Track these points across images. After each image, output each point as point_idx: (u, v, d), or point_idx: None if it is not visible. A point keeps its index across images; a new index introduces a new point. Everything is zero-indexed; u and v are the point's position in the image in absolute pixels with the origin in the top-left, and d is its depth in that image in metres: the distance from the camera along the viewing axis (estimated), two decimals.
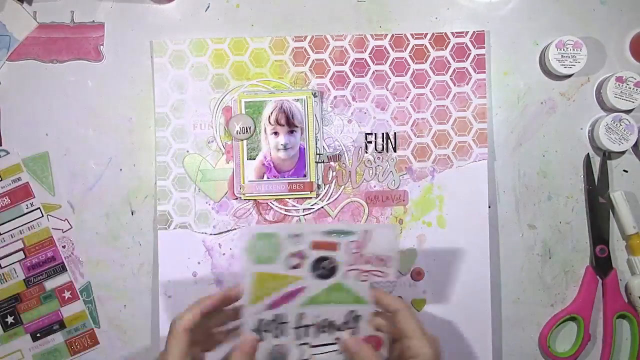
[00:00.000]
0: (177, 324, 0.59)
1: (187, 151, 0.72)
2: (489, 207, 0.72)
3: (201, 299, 0.61)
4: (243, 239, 0.61)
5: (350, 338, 0.62)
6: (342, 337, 0.62)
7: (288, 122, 0.72)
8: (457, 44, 0.72)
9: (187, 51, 0.72)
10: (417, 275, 0.72)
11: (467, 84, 0.72)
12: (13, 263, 0.72)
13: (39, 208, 0.72)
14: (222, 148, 0.73)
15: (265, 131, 0.72)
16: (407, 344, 0.59)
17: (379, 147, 0.72)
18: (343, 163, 0.72)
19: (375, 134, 0.72)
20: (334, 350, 0.63)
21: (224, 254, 0.72)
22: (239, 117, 0.72)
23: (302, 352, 0.62)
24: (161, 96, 0.73)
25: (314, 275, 0.61)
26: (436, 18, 0.73)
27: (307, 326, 0.62)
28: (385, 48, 0.72)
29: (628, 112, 0.71)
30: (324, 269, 0.61)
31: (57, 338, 0.72)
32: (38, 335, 0.72)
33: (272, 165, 0.72)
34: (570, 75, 0.73)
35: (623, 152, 0.72)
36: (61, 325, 0.72)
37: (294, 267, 0.60)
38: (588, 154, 0.73)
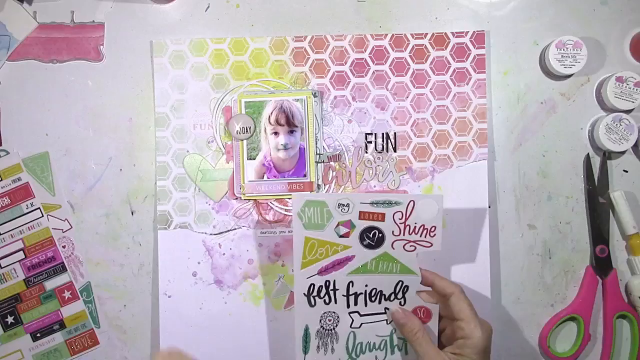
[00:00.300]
0: None
1: (187, 151, 0.72)
2: (489, 207, 0.72)
3: None
4: (296, 205, 0.63)
5: (398, 310, 0.64)
6: (391, 307, 0.64)
7: (288, 122, 0.72)
8: (457, 44, 0.72)
9: (187, 51, 0.72)
10: None
11: (467, 84, 0.72)
12: (13, 263, 0.72)
13: (39, 208, 0.72)
14: (222, 148, 0.73)
15: (265, 131, 0.72)
16: (459, 325, 0.61)
17: (379, 147, 0.72)
18: (343, 163, 0.72)
19: (375, 134, 0.72)
20: (383, 320, 0.64)
21: (224, 254, 0.72)
22: (239, 117, 0.72)
23: (352, 320, 0.64)
24: (161, 96, 0.73)
25: (362, 245, 0.63)
26: (436, 18, 0.73)
27: (356, 294, 0.64)
28: (385, 48, 0.72)
29: (628, 112, 0.71)
30: (371, 239, 0.63)
31: (57, 338, 0.72)
32: (38, 335, 0.72)
33: (272, 165, 0.72)
34: (570, 75, 0.73)
35: (623, 152, 0.72)
36: (61, 325, 0.72)
37: (343, 236, 0.63)
38: (588, 154, 0.73)
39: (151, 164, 0.73)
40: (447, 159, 0.72)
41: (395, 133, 0.72)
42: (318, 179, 0.72)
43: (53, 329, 0.72)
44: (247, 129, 0.72)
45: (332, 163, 0.72)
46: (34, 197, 0.72)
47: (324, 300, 0.64)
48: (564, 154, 0.73)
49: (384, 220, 0.63)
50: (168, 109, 0.72)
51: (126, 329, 0.73)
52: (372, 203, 0.63)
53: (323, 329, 0.65)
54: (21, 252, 0.72)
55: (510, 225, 0.73)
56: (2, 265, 0.72)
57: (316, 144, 0.72)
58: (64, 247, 0.73)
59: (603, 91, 0.71)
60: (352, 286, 0.64)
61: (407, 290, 0.64)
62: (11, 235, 0.72)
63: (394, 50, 0.72)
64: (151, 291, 0.73)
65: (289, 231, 0.72)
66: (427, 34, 0.72)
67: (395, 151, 0.72)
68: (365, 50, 0.72)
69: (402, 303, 0.64)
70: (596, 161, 0.73)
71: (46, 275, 0.72)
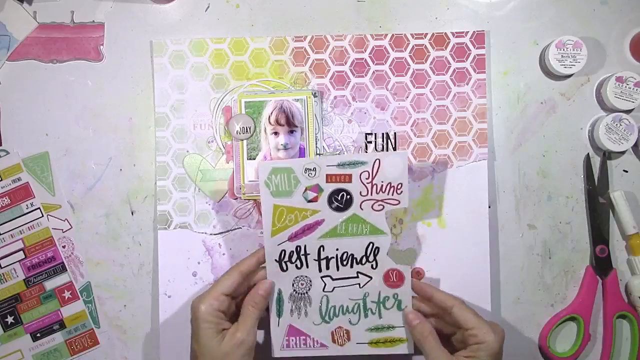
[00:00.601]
0: (235, 267, 0.64)
1: (187, 151, 0.72)
2: (489, 207, 0.72)
3: (255, 252, 0.66)
4: (262, 173, 0.63)
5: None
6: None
7: (288, 122, 0.72)
8: (457, 44, 0.72)
9: (187, 51, 0.72)
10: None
11: (467, 84, 0.72)
12: (13, 263, 0.72)
13: (39, 208, 0.72)
14: (222, 148, 0.73)
15: (265, 131, 0.72)
16: (471, 333, 0.61)
17: (379, 147, 0.72)
18: None
19: (375, 134, 0.72)
20: (356, 284, 0.65)
21: (224, 254, 0.72)
22: (239, 117, 0.72)
23: (325, 284, 0.65)
24: (161, 96, 0.73)
25: (330, 208, 0.64)
26: (436, 18, 0.73)
27: (327, 259, 0.65)
28: (385, 48, 0.72)
29: (628, 112, 0.71)
30: (340, 201, 0.64)
31: (57, 338, 0.72)
32: (38, 335, 0.72)
33: None
34: (570, 75, 0.73)
35: (623, 152, 0.72)
36: (61, 325, 0.73)
37: (311, 201, 0.64)
38: (588, 154, 0.73)
39: (151, 164, 0.73)
40: (447, 159, 0.72)
41: (395, 133, 0.72)
42: None
43: (53, 329, 0.72)
44: (247, 129, 0.72)
45: None
46: (34, 197, 0.72)
47: (296, 265, 0.65)
48: (564, 154, 0.73)
49: (350, 182, 0.64)
50: (168, 109, 0.72)
51: (126, 329, 0.73)
52: (338, 165, 0.63)
53: (296, 292, 0.65)
54: (21, 252, 0.72)
55: (510, 225, 0.73)
56: (2, 265, 0.72)
57: (316, 144, 0.72)
58: (64, 247, 0.73)
59: (603, 91, 0.71)
60: (323, 250, 0.65)
61: (377, 253, 0.65)
62: (11, 235, 0.72)
63: (394, 50, 0.72)
64: (151, 291, 0.73)
65: None
66: (427, 34, 0.72)
67: (395, 151, 0.72)
68: (365, 50, 0.72)
69: (374, 266, 0.65)
70: (596, 161, 0.73)
71: (46, 275, 0.72)
